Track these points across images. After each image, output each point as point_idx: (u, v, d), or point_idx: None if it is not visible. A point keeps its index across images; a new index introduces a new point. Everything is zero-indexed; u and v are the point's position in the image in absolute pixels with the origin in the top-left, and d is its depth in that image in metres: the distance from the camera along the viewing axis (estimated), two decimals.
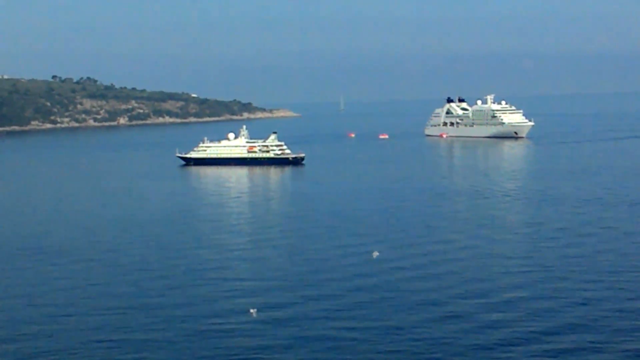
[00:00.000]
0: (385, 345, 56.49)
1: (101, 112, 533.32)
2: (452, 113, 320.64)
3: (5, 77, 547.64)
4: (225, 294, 71.56)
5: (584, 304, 65.61)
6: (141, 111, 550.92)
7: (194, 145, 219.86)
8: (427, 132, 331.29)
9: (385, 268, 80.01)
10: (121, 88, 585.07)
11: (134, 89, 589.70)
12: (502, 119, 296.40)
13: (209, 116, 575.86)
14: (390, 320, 62.26)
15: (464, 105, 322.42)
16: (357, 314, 64.11)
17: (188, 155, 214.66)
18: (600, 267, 78.43)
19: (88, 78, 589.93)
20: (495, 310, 64.33)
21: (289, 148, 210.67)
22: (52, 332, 61.48)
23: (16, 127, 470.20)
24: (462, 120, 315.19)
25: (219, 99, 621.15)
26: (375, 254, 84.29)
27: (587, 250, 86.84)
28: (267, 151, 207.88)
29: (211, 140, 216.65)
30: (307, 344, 57.01)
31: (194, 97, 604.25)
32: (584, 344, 55.92)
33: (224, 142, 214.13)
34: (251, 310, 64.06)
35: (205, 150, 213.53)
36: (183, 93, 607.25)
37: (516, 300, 67.16)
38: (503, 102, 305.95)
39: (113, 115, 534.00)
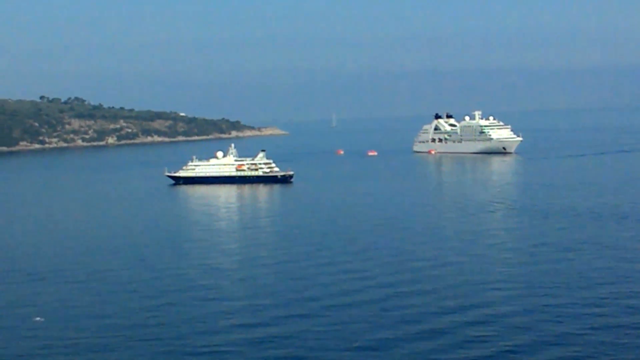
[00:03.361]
0: None
1: (89, 132, 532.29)
2: (440, 129, 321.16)
3: None
4: (213, 314, 71.15)
5: (564, 321, 65.50)
6: (129, 130, 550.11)
7: (182, 164, 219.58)
8: (415, 148, 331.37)
9: (372, 284, 79.84)
10: (109, 108, 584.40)
11: (122, 108, 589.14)
12: (490, 135, 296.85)
13: (198, 135, 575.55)
14: (377, 334, 62.11)
15: (452, 121, 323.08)
16: (342, 333, 63.89)
17: (177, 175, 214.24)
18: (585, 282, 78.37)
19: (76, 98, 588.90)
20: (477, 326, 64.16)
21: (277, 166, 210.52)
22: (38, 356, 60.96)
23: (4, 148, 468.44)
24: (450, 136, 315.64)
25: (208, 117, 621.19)
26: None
27: (575, 265, 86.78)
28: (256, 169, 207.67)
29: (200, 159, 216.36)
30: None
31: (182, 116, 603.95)
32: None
33: (212, 161, 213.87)
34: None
35: (194, 169, 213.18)
36: (171, 112, 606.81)
37: (499, 317, 66.76)
38: (491, 118, 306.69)
39: (101, 135, 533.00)
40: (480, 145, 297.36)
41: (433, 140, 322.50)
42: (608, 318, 65.40)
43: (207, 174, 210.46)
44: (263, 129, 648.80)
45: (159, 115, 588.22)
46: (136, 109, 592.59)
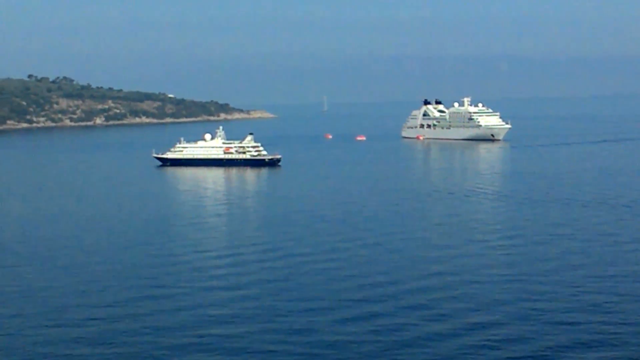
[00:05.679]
0: None
1: (77, 111, 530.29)
2: (429, 115, 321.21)
3: None
4: (197, 302, 71.11)
5: (557, 318, 65.72)
6: (118, 111, 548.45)
7: (170, 145, 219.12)
8: (403, 134, 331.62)
9: (358, 272, 79.90)
10: (98, 88, 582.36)
11: (110, 88, 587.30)
12: (479, 122, 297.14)
13: (186, 117, 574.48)
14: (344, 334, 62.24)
15: (440, 107, 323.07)
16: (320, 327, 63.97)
17: (164, 156, 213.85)
18: (574, 271, 78.69)
19: (64, 77, 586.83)
20: (465, 329, 63.56)
21: (265, 149, 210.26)
22: (29, 341, 60.79)
23: None
24: (439, 122, 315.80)
25: (196, 99, 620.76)
26: None
27: (560, 253, 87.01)
28: (244, 152, 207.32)
29: (188, 141, 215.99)
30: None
31: (170, 98, 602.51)
32: None
33: (200, 143, 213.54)
34: None
35: (181, 151, 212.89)
36: (160, 93, 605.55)
37: (487, 314, 66.72)
38: (480, 105, 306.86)
39: (89, 115, 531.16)
40: (468, 132, 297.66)
41: (421, 126, 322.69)
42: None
43: (195, 156, 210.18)
44: (252, 112, 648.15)
45: (148, 97, 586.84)
46: (125, 90, 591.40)
